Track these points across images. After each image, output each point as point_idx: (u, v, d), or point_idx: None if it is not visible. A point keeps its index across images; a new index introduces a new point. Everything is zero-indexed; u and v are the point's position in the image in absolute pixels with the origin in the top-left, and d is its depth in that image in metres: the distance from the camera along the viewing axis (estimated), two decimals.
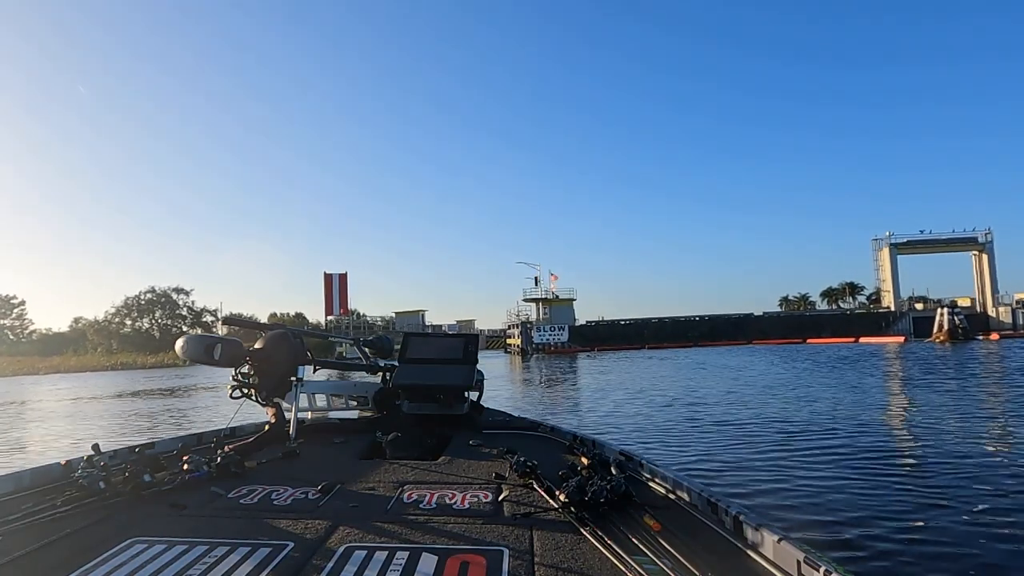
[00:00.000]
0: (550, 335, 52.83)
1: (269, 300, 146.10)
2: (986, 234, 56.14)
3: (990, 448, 8.08)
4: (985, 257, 55.89)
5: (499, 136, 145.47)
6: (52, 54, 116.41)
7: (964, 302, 60.13)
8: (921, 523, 4.97)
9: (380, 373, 4.68)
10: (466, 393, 4.40)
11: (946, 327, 40.68)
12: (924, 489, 6.00)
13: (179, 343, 3.75)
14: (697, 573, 1.76)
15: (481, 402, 4.55)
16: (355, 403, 4.57)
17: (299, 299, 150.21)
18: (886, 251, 57.92)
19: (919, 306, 56.89)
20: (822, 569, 1.59)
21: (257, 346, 3.89)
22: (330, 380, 4.82)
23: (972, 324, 47.17)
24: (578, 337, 54.16)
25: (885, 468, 7.05)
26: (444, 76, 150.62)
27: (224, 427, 4.01)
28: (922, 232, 57.40)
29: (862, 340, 46.57)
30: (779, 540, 1.81)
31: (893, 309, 56.46)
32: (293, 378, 3.89)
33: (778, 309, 74.21)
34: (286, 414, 3.88)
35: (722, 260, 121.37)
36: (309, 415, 4.40)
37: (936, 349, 33.45)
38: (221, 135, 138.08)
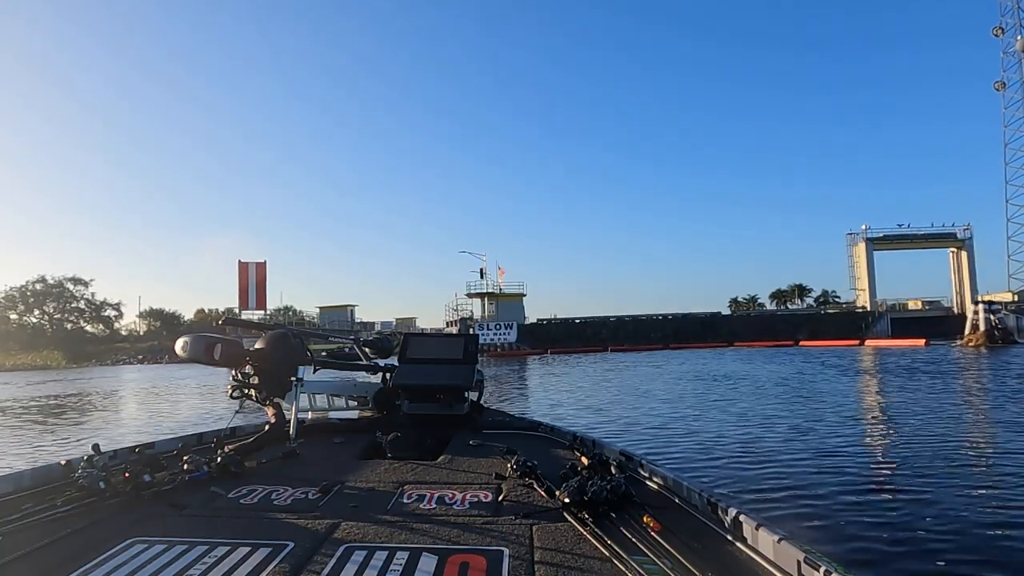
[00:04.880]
0: (496, 334, 46.09)
1: (202, 294, 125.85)
2: (965, 230, 52.82)
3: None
4: (964, 254, 52.67)
5: (446, 114, 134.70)
6: None
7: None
8: (923, 524, 4.80)
9: (380, 373, 4.65)
10: (466, 393, 4.39)
11: (982, 328, 34.30)
12: (936, 494, 5.61)
13: (179, 342, 3.73)
14: (697, 573, 1.76)
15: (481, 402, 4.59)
16: (355, 403, 4.56)
17: (230, 293, 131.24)
18: (862, 246, 53.12)
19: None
20: (822, 569, 1.58)
21: (257, 346, 3.88)
22: (330, 380, 4.69)
23: (952, 327, 41.88)
24: (528, 337, 47.66)
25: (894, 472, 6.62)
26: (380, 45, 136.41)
27: (224, 427, 3.98)
28: (900, 226, 53.12)
29: (868, 343, 39.71)
30: (779, 540, 1.80)
31: (870, 309, 51.08)
32: (293, 378, 3.88)
33: (728, 310, 68.94)
34: (286, 414, 3.86)
35: (669, 259, 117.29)
36: (309, 415, 4.38)
37: (973, 355, 26.00)
38: (156, 112, 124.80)
